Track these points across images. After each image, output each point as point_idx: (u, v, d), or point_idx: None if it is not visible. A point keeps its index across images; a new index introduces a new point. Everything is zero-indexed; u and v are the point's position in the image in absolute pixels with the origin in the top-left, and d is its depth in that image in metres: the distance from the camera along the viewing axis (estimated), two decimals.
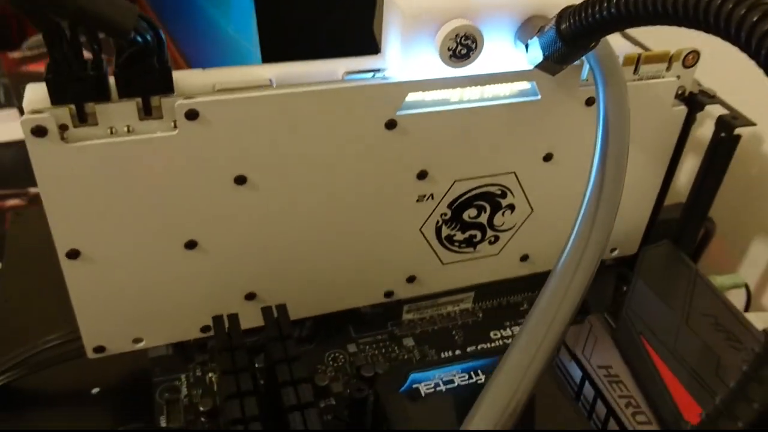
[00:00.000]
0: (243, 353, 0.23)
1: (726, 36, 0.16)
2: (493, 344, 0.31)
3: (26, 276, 0.33)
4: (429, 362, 0.29)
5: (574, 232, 0.20)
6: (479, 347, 0.30)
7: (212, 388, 0.27)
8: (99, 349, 0.26)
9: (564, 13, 0.21)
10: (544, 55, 0.22)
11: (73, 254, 0.24)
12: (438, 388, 0.23)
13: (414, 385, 0.23)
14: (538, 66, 0.23)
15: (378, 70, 0.24)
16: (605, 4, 0.19)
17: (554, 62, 0.23)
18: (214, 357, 0.29)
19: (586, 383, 0.27)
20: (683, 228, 0.32)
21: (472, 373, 0.24)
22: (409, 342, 0.30)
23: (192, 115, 0.22)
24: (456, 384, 0.24)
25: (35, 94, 0.22)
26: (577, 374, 0.27)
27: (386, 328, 0.31)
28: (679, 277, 0.29)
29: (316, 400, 0.22)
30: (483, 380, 0.24)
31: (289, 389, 0.22)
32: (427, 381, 0.24)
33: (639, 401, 0.26)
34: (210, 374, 0.28)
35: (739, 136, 0.29)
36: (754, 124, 0.29)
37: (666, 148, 0.31)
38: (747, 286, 0.34)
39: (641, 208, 0.32)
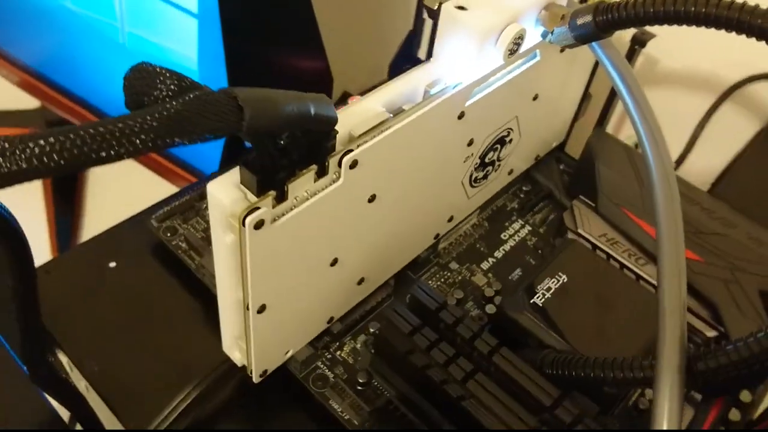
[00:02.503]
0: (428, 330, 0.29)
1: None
2: (508, 241, 0.40)
3: None
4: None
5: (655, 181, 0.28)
6: (502, 247, 0.39)
7: (348, 362, 0.33)
8: (263, 373, 0.30)
9: (600, 8, 0.28)
10: (573, 37, 0.29)
11: (262, 309, 0.27)
12: (546, 296, 0.32)
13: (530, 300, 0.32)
14: (560, 42, 0.30)
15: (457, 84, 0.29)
16: (645, 7, 0.27)
17: (577, 41, 0.30)
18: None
19: (596, 251, 0.37)
20: (604, 113, 0.43)
21: (550, 279, 0.33)
22: (454, 265, 0.38)
23: (354, 164, 0.26)
24: (553, 287, 0.32)
25: (224, 193, 0.23)
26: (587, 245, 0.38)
27: (432, 262, 0.38)
28: (621, 152, 0.40)
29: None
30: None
31: (477, 339, 0.29)
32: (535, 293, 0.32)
33: (637, 252, 0.37)
34: (338, 352, 0.33)
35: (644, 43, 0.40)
36: (654, 36, 0.39)
37: (588, 60, 0.40)
38: None
39: (569, 107, 0.42)
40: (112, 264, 0.37)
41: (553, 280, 0.32)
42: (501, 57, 0.29)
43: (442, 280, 0.37)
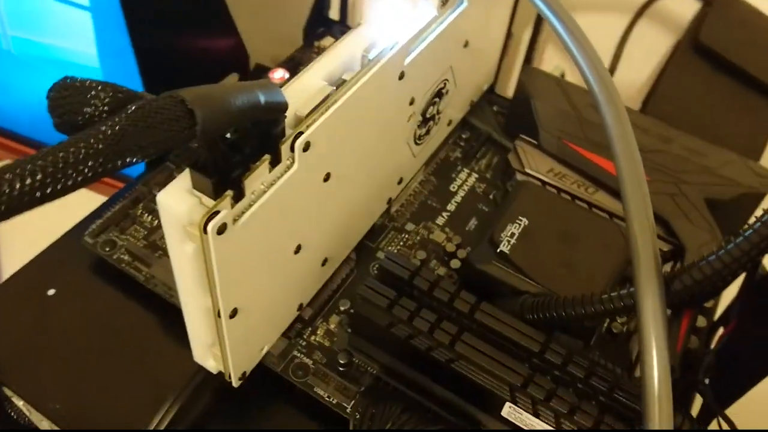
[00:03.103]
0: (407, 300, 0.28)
1: None
2: (458, 192, 0.39)
3: None
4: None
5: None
6: (454, 200, 0.39)
7: (325, 345, 0.32)
8: (242, 376, 0.29)
9: None
10: None
11: (234, 313, 0.25)
12: (511, 242, 0.32)
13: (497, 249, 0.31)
14: None
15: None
16: None
17: None
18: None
19: (546, 187, 0.38)
20: (529, 50, 0.43)
21: (512, 224, 0.33)
22: (410, 226, 0.37)
23: (307, 147, 0.24)
24: (516, 233, 0.32)
25: (177, 201, 0.21)
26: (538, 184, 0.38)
27: (387, 227, 0.37)
28: (552, 85, 0.40)
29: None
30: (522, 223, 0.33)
31: (456, 299, 0.28)
32: (501, 241, 0.32)
33: (585, 181, 0.37)
34: (312, 338, 0.32)
35: None
36: None
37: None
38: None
39: (496, 48, 0.42)
40: (51, 291, 0.34)
41: (514, 225, 0.32)
42: (435, 9, 0.28)
43: (402, 243, 0.36)
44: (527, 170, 0.38)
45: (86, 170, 0.16)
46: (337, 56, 0.27)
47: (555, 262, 0.31)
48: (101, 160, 0.16)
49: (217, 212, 0.21)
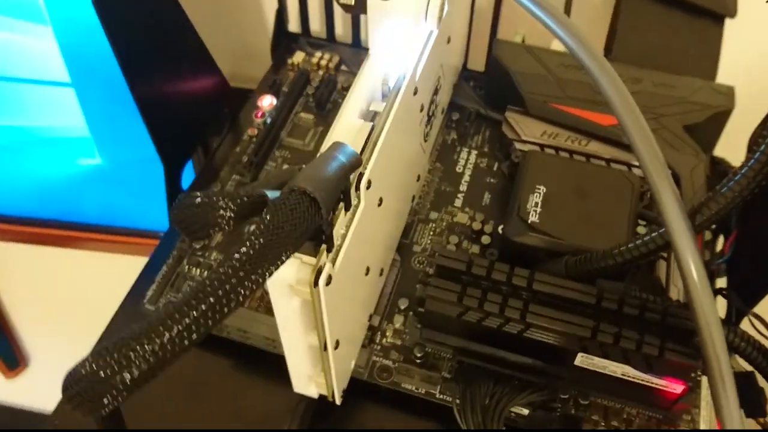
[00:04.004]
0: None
1: None
2: (465, 172, 0.42)
3: None
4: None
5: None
6: (463, 180, 0.42)
7: (398, 344, 0.35)
8: (342, 393, 0.32)
9: None
10: None
11: (337, 344, 0.28)
12: (538, 211, 0.35)
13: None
14: None
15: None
16: None
17: None
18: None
19: (544, 150, 0.41)
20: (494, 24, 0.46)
21: (532, 195, 0.36)
22: (433, 215, 0.40)
23: (369, 184, 0.27)
24: (539, 201, 0.36)
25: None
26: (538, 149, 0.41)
27: (414, 221, 0.40)
28: (523, 53, 0.43)
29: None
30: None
31: (513, 277, 0.32)
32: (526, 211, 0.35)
33: (577, 135, 0.41)
34: (384, 340, 0.35)
35: None
36: None
37: None
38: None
39: (465, 27, 0.44)
40: None
41: (534, 195, 0.36)
42: (435, 27, 0.30)
43: (432, 232, 0.39)
44: (523, 138, 0.41)
45: (251, 284, 0.18)
46: (362, 93, 0.29)
47: (578, 219, 0.35)
48: (260, 272, 0.18)
49: (321, 267, 0.24)
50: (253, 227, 0.19)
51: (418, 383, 0.34)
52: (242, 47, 0.56)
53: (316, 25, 0.50)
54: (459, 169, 0.42)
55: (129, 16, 0.33)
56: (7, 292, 0.59)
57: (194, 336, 0.17)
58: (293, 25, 0.51)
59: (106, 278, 0.60)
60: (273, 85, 0.46)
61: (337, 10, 0.48)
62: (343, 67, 0.48)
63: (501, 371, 0.33)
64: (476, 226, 0.39)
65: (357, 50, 0.49)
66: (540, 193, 0.36)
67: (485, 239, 0.39)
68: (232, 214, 0.20)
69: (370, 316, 0.34)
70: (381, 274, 0.34)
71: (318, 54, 0.48)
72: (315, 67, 0.48)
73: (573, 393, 0.33)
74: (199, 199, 0.20)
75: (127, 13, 0.33)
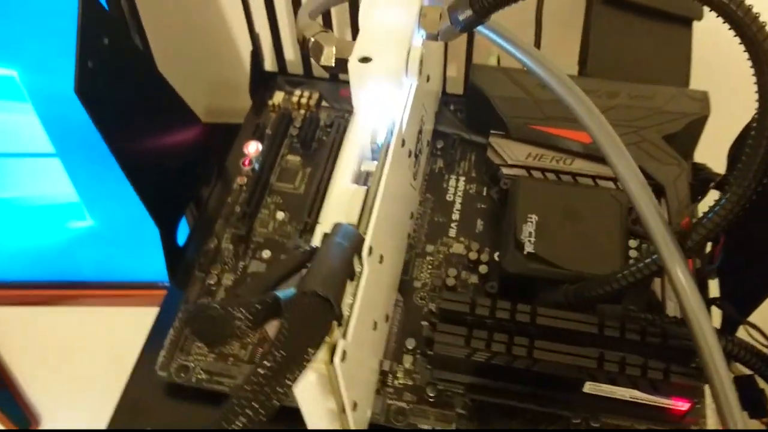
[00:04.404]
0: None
1: None
2: (455, 201, 0.43)
3: None
4: None
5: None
6: (455, 208, 0.42)
7: (410, 385, 0.36)
8: None
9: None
10: (459, 30, 0.31)
11: (355, 406, 0.29)
12: (532, 241, 0.36)
13: None
14: (447, 38, 0.32)
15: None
16: None
17: (461, 32, 0.32)
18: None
19: (531, 173, 0.42)
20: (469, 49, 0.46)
21: (525, 224, 0.37)
22: (429, 247, 0.41)
23: (370, 251, 0.27)
24: (532, 231, 0.36)
25: None
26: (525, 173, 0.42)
27: (412, 257, 0.41)
28: (500, 76, 0.43)
29: None
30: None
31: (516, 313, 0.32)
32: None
33: (561, 155, 0.41)
34: (395, 382, 0.36)
35: None
36: None
37: None
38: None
39: (441, 58, 0.45)
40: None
41: (528, 224, 0.37)
42: (416, 79, 0.31)
43: (430, 266, 0.40)
44: (509, 162, 0.42)
45: (275, 399, 0.18)
46: (352, 155, 0.30)
47: (573, 244, 0.36)
48: (281, 390, 0.19)
49: (335, 345, 0.24)
50: (273, 338, 0.19)
51: (433, 423, 0.34)
52: (216, 81, 0.56)
53: (292, 63, 0.50)
54: (449, 197, 0.43)
55: (108, 88, 0.33)
56: (11, 354, 0.60)
57: None
58: (269, 64, 0.51)
59: (107, 331, 0.60)
60: (256, 129, 0.47)
61: None
62: (324, 103, 0.48)
63: (513, 405, 0.34)
64: (473, 255, 0.40)
65: (335, 84, 0.49)
66: (533, 222, 0.37)
67: (482, 268, 0.39)
68: (249, 324, 0.20)
69: (381, 362, 0.35)
70: (387, 321, 0.35)
71: (297, 92, 0.48)
72: (296, 106, 0.48)
73: (584, 416, 0.34)
74: (214, 313, 0.20)
75: (105, 85, 0.33)
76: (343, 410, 0.28)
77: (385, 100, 0.30)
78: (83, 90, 0.30)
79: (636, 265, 0.31)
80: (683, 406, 0.32)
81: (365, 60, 0.29)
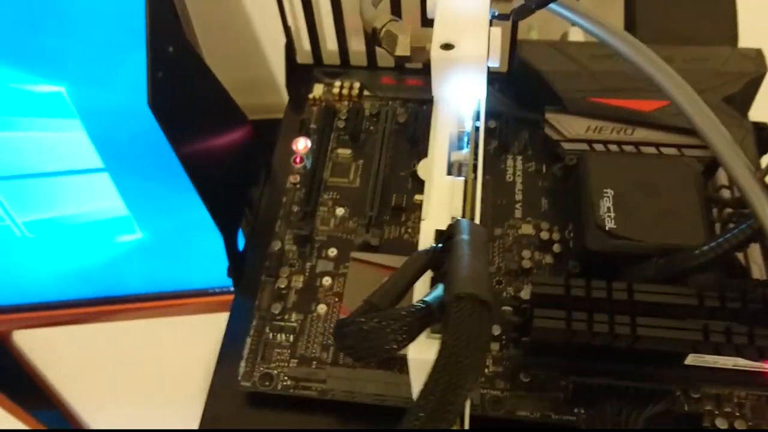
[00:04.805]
0: None
1: None
2: (515, 181, 0.42)
3: None
4: None
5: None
6: (516, 189, 0.42)
7: (500, 372, 0.35)
8: None
9: None
10: (534, 7, 0.31)
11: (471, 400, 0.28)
12: (612, 216, 0.35)
13: None
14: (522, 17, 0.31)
15: None
16: None
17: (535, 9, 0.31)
18: None
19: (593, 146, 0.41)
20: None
21: (602, 200, 0.36)
22: (497, 231, 0.40)
23: None
24: (610, 206, 0.36)
25: (425, 350, 0.24)
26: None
27: None
28: (549, 50, 0.42)
29: None
30: None
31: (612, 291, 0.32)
32: None
33: (621, 125, 0.41)
34: (485, 371, 0.35)
35: None
36: None
37: None
38: None
39: None
40: None
41: (604, 199, 0.36)
42: (497, 62, 0.30)
43: (502, 249, 0.39)
44: (569, 137, 0.41)
45: (454, 415, 0.18)
46: (443, 146, 0.29)
47: (653, 217, 0.35)
48: (453, 408, 0.18)
49: None
50: (441, 350, 0.19)
51: (531, 408, 0.34)
52: (245, 78, 0.54)
53: (329, 54, 0.49)
54: (509, 178, 0.42)
55: (175, 96, 0.32)
56: (60, 374, 0.58)
57: None
58: (304, 57, 0.49)
59: (156, 343, 0.59)
60: (302, 125, 0.45)
61: (350, 35, 0.47)
62: (366, 93, 0.47)
63: (611, 383, 0.33)
64: (544, 235, 0.39)
65: (375, 72, 0.48)
66: (609, 197, 0.36)
67: (556, 247, 0.39)
68: (404, 336, 0.19)
69: None
70: None
71: (337, 83, 0.47)
72: (337, 98, 0.47)
73: (683, 388, 0.34)
74: (368, 326, 0.19)
75: (173, 93, 0.32)
76: None
77: (470, 86, 0.29)
78: (156, 103, 0.28)
79: (732, 231, 0.31)
80: None
81: (448, 47, 0.28)
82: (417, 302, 0.20)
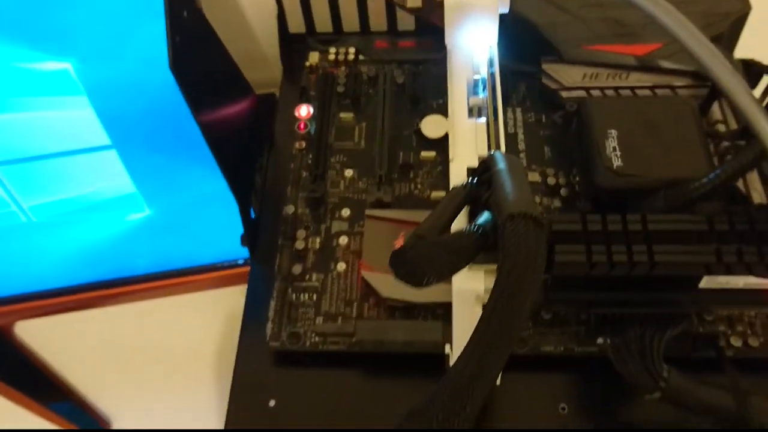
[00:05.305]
0: None
1: None
2: (517, 132, 0.43)
3: None
4: None
5: None
6: (519, 139, 0.43)
7: None
8: None
9: None
10: None
11: None
12: (618, 154, 0.37)
13: None
14: None
15: None
16: None
17: None
18: None
19: (590, 93, 0.42)
20: None
21: (607, 141, 0.38)
22: None
23: None
24: (616, 146, 0.37)
25: (471, 281, 0.25)
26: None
27: None
28: (543, 2, 0.44)
29: None
30: None
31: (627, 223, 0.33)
32: None
33: (616, 71, 0.42)
34: None
35: None
36: None
37: None
38: None
39: None
40: (272, 402, 0.36)
41: (609, 139, 0.37)
42: (507, 7, 0.31)
43: None
44: (566, 86, 0.42)
45: (518, 329, 0.19)
46: (462, 93, 0.30)
47: (658, 153, 0.37)
48: (516, 322, 0.19)
49: None
50: (500, 270, 0.19)
51: (555, 343, 0.35)
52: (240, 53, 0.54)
53: (321, 21, 0.49)
54: (510, 129, 0.43)
55: (191, 62, 0.32)
56: (70, 361, 0.58)
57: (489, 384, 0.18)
58: (296, 27, 0.50)
59: (167, 324, 0.59)
60: (302, 93, 0.46)
61: (342, 2, 0.47)
62: (361, 57, 0.48)
63: (629, 312, 0.35)
64: (550, 181, 0.40)
65: (368, 37, 0.49)
66: (614, 137, 0.37)
67: (563, 191, 0.40)
68: (462, 257, 0.20)
69: None
70: None
71: (332, 50, 0.48)
72: (333, 64, 0.47)
73: (698, 312, 0.35)
74: (426, 249, 0.20)
75: (189, 59, 0.32)
76: None
77: (483, 33, 0.30)
78: (177, 66, 0.29)
79: (734, 157, 0.32)
80: None
81: None
82: (469, 227, 0.21)
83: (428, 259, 0.20)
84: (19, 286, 0.50)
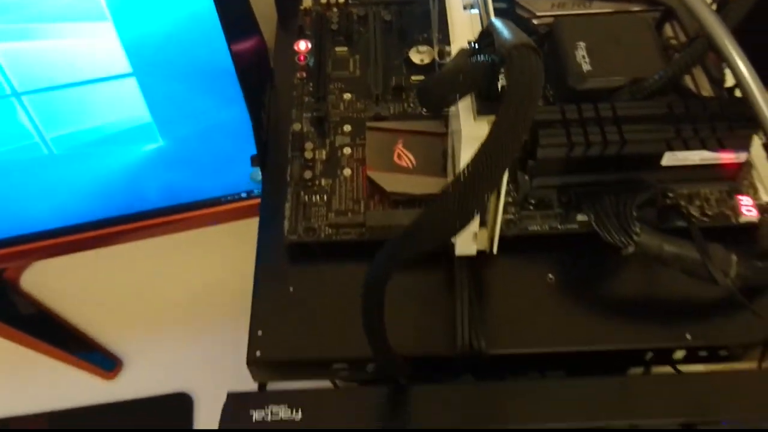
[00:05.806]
0: None
1: None
2: None
3: None
4: None
5: None
6: None
7: (508, 202, 0.41)
8: None
9: None
10: None
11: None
12: (587, 60, 0.42)
13: None
14: None
15: None
16: None
17: None
18: None
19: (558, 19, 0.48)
20: None
21: (577, 51, 0.43)
22: None
23: None
24: (584, 54, 0.42)
25: (478, 127, 0.29)
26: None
27: None
28: None
29: None
30: None
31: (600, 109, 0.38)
32: None
33: (583, 2, 0.48)
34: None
35: None
36: None
37: None
38: None
39: None
40: (291, 288, 0.40)
41: (578, 50, 0.42)
42: None
43: None
44: (537, 14, 0.48)
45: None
46: (460, 25, 0.34)
47: (622, 58, 0.42)
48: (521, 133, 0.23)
49: None
50: (509, 87, 0.24)
51: (540, 222, 0.40)
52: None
53: None
54: None
55: None
56: (80, 300, 0.61)
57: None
58: None
59: (172, 260, 0.63)
60: (300, 31, 0.50)
61: None
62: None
63: (603, 189, 0.40)
64: None
65: None
66: (582, 48, 0.43)
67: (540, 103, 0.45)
68: (473, 80, 0.24)
69: None
70: None
71: None
72: (325, 7, 0.52)
73: (662, 188, 0.41)
74: (441, 75, 0.24)
75: None
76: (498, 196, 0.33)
77: None
78: None
79: (686, 52, 0.38)
80: (741, 157, 0.39)
81: None
82: (479, 62, 0.25)
83: (443, 83, 0.24)
84: (35, 224, 0.53)
